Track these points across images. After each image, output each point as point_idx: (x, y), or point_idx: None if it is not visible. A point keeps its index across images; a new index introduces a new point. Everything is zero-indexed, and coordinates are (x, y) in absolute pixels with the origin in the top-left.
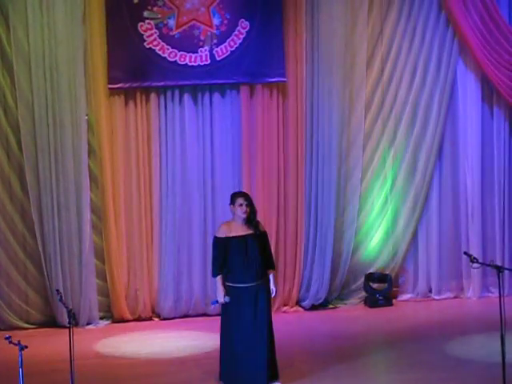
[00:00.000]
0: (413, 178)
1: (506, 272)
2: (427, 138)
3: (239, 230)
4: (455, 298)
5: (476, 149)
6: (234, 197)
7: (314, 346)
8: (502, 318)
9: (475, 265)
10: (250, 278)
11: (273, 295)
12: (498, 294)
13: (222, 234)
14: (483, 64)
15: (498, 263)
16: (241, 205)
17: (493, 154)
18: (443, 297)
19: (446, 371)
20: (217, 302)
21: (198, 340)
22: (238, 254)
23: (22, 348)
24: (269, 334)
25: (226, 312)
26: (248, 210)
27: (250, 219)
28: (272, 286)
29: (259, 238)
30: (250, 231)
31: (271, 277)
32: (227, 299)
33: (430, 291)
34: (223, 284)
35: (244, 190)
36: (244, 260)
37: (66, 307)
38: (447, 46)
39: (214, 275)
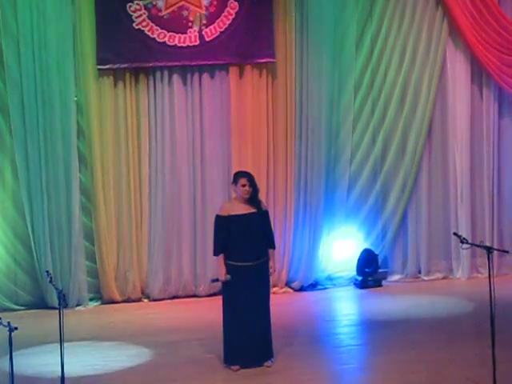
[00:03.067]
0: (402, 159)
1: (495, 253)
2: (417, 119)
3: (241, 208)
4: (444, 278)
5: (465, 129)
6: (236, 177)
7: (303, 327)
8: (492, 298)
9: (465, 245)
10: (251, 257)
11: (274, 273)
12: (486, 275)
13: (224, 212)
14: (472, 45)
15: (487, 244)
16: (244, 185)
17: (482, 135)
18: (432, 278)
19: (435, 351)
20: (217, 279)
21: (188, 321)
22: (240, 232)
23: (12, 329)
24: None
25: (227, 290)
26: (251, 190)
27: (253, 198)
28: (272, 264)
29: (261, 216)
30: (252, 210)
31: (272, 255)
32: (228, 278)
33: (419, 272)
34: (224, 263)
35: (243, 170)
36: (246, 238)
37: (56, 288)
38: (437, 26)
39: (216, 254)
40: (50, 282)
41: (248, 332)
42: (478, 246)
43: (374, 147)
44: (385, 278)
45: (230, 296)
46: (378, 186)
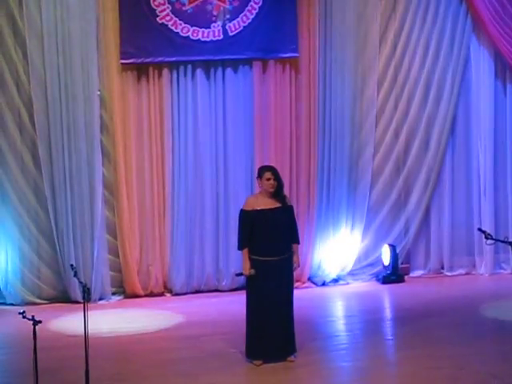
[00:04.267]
0: (425, 154)
1: None
2: (440, 114)
3: (266, 203)
4: (467, 274)
5: (489, 125)
6: (261, 171)
7: (327, 322)
8: None
9: (489, 241)
10: (275, 252)
11: (298, 268)
12: (509, 271)
13: (249, 207)
14: (496, 40)
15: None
16: (268, 179)
17: (505, 131)
18: (455, 273)
19: (458, 347)
20: (241, 274)
21: (210, 315)
22: (265, 227)
23: (36, 323)
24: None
25: (251, 285)
26: (275, 184)
27: (278, 193)
28: (296, 259)
29: (286, 211)
30: (277, 204)
31: (296, 250)
32: (253, 272)
33: (442, 267)
34: (249, 257)
35: (268, 164)
36: (270, 233)
37: (81, 282)
38: (460, 21)
39: (240, 248)
40: (75, 275)
41: (271, 327)
42: (502, 241)
43: (396, 142)
44: (407, 274)
45: (253, 290)
46: (401, 182)
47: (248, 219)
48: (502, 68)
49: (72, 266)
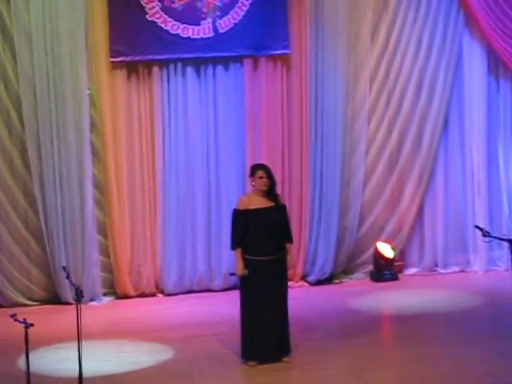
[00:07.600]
0: (418, 151)
1: None
2: (433, 110)
3: (260, 202)
4: (461, 271)
5: (482, 121)
6: (253, 169)
7: (321, 322)
8: None
9: (487, 238)
10: (269, 251)
11: (291, 267)
12: (504, 268)
13: (242, 206)
14: (489, 35)
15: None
16: (261, 177)
17: (499, 127)
18: (449, 271)
19: (454, 346)
20: (235, 274)
21: (203, 316)
22: (258, 226)
23: (28, 326)
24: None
25: (245, 285)
26: (268, 182)
27: (271, 191)
28: (290, 259)
29: (279, 210)
30: (270, 204)
31: (289, 249)
32: (246, 272)
33: (436, 265)
34: (242, 257)
35: (260, 163)
36: (264, 233)
37: (74, 285)
38: (453, 16)
39: (233, 248)
40: (67, 277)
41: (266, 327)
42: (500, 239)
43: (389, 139)
44: (401, 272)
45: (247, 290)
46: (395, 179)
47: (241, 219)
48: (494, 64)
49: (64, 268)
